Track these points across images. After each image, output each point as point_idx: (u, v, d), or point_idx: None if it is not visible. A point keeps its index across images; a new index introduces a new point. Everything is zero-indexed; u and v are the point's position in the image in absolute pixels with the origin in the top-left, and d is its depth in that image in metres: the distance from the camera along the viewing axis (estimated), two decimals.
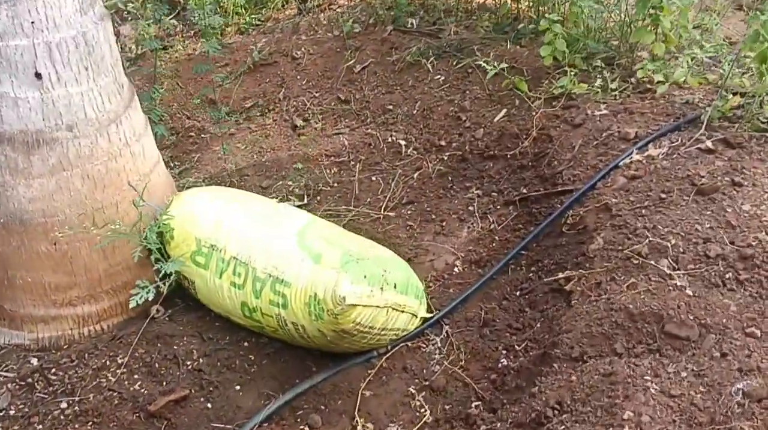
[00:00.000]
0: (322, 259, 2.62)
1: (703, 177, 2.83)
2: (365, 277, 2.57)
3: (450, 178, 3.94)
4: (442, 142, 4.18)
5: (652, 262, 2.52)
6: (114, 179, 2.80)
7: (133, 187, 2.81)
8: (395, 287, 2.70)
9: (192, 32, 6.16)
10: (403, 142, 4.34)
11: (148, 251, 2.88)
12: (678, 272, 2.43)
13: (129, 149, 2.84)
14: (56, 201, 2.69)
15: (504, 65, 4.01)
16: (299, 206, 3.90)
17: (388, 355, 2.84)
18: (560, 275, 2.79)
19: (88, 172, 2.72)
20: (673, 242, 2.56)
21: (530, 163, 3.64)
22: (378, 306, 2.61)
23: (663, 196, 2.83)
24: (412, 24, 5.09)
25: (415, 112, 4.50)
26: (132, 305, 2.78)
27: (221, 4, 6.31)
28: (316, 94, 5.08)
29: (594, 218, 2.97)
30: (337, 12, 5.75)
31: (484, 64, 4.00)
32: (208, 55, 4.27)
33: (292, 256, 2.66)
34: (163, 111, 5.07)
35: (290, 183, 4.13)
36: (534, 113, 3.81)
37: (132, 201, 2.82)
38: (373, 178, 4.14)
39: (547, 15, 3.88)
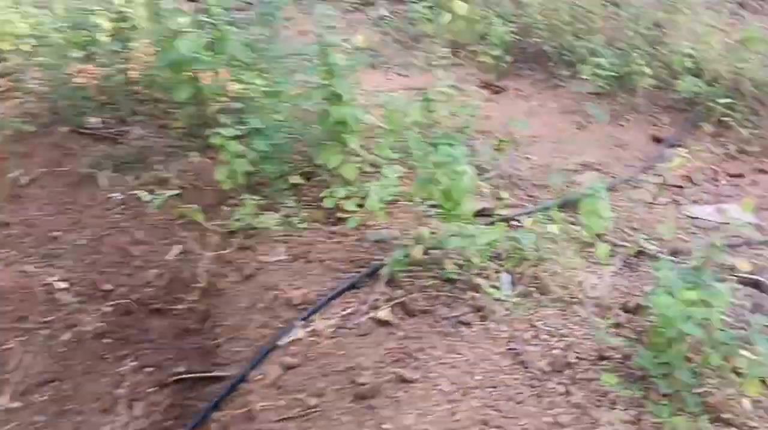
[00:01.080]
0: None
1: (367, 370, 2.18)
2: None
3: (107, 342, 3.06)
4: (109, 286, 3.30)
5: None
6: None
7: None
8: None
9: None
10: (63, 285, 3.40)
11: None
12: None
13: None
14: None
15: (174, 192, 3.22)
16: None
17: None
18: None
19: None
20: None
21: (195, 326, 2.87)
22: None
23: (315, 401, 2.14)
24: (94, 124, 4.18)
25: (84, 242, 3.59)
26: None
27: None
28: None
29: None
30: (14, 102, 4.69)
31: (144, 195, 3.15)
32: None
33: None
34: None
35: None
36: (208, 254, 3.06)
37: None
38: (10, 344, 3.14)
39: (219, 129, 3.15)
